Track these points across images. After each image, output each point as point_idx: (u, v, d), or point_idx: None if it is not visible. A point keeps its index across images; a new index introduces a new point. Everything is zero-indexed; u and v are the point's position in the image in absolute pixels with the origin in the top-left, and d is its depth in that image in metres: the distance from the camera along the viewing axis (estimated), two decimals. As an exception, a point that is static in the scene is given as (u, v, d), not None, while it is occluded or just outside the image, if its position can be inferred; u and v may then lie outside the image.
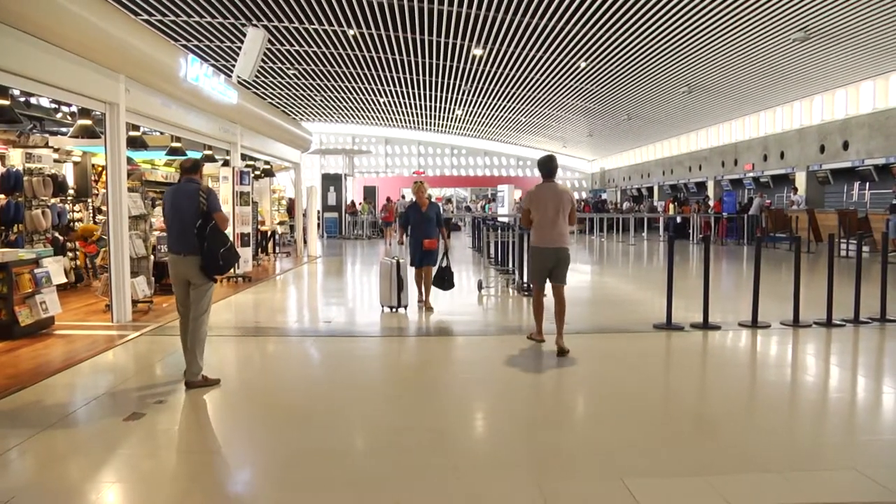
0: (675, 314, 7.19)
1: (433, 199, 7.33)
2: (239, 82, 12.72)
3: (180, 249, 4.80)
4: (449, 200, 26.20)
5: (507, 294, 9.71)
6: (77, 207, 10.28)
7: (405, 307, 8.08)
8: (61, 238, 9.35)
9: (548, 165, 6.01)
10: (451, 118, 34.16)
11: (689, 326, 6.99)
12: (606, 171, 41.90)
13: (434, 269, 8.28)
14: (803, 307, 7.24)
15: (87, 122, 8.24)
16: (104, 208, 8.91)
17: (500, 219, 22.36)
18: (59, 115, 9.71)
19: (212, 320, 6.67)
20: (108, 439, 3.96)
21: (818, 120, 22.13)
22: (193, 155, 12.28)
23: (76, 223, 10.21)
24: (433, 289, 8.70)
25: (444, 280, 8.24)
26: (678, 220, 23.70)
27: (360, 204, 28.68)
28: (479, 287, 9.55)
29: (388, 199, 26.90)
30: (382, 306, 8.19)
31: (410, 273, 8.50)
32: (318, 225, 22.82)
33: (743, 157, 26.24)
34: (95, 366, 5.56)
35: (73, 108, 9.39)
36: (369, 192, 30.70)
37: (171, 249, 4.86)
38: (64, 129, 10.05)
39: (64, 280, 7.40)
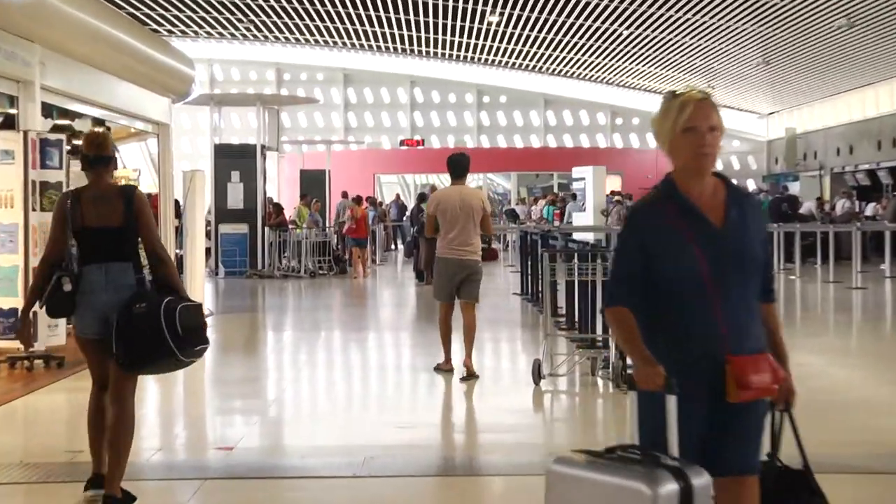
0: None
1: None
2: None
3: None
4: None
5: (590, 386, 9.78)
6: None
7: None
8: None
9: (458, 163, 10.23)
10: (477, 32, 34.39)
11: None
12: (800, 137, 41.93)
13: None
14: None
15: None
16: None
17: (577, 236, 22.19)
18: None
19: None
20: None
21: None
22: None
23: None
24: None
25: None
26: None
27: (295, 207, 28.68)
28: (538, 373, 9.60)
29: (360, 199, 26.87)
30: None
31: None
32: (209, 250, 22.77)
33: None
34: None
35: None
36: (312, 183, 30.72)
37: None
38: None
39: None
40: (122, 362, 5.54)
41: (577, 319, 12.50)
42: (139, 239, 5.76)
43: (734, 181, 4.06)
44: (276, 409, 9.42)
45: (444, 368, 10.21)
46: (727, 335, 3.87)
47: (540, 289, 15.04)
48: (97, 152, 5.84)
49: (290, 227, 26.49)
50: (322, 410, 9.53)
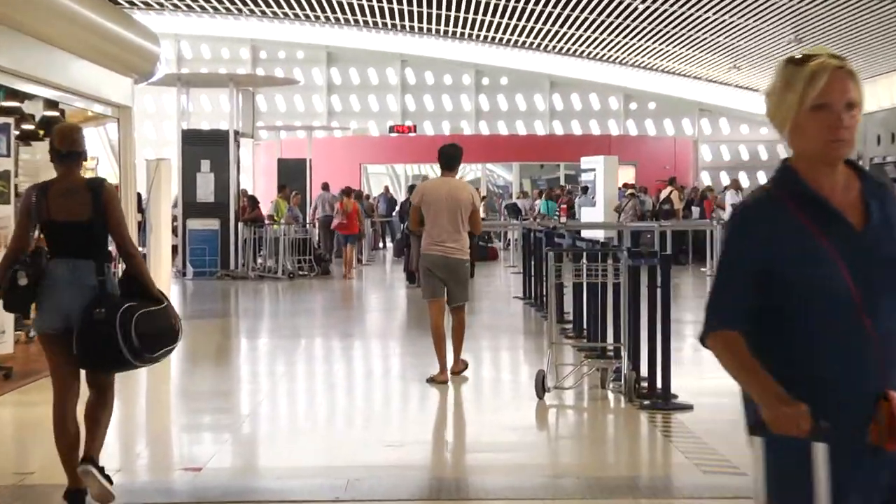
0: None
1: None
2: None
3: None
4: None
5: (600, 401, 9.80)
6: None
7: None
8: None
9: (449, 155, 10.79)
10: (476, 6, 34.33)
11: None
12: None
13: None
14: None
15: None
16: None
17: (586, 234, 22.13)
18: None
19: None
20: None
21: None
22: None
23: None
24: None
25: None
26: None
27: (272, 200, 28.63)
28: (541, 386, 9.62)
29: (349, 191, 26.85)
30: None
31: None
32: (175, 248, 22.72)
33: None
34: None
35: None
36: (292, 173, 30.68)
37: None
38: None
39: None
40: (83, 364, 6.18)
41: (585, 326, 12.49)
42: (108, 235, 6.26)
43: (865, 168, 3.54)
44: (249, 425, 9.38)
45: (439, 380, 10.41)
46: (882, 362, 3.33)
47: (544, 292, 15.04)
48: (70, 148, 6.35)
49: (267, 222, 26.43)
50: (301, 427, 9.53)
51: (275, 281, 23.89)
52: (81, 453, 6.20)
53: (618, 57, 41.16)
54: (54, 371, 6.30)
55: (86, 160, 6.72)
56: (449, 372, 10.53)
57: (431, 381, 10.46)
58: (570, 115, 45.61)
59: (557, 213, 32.44)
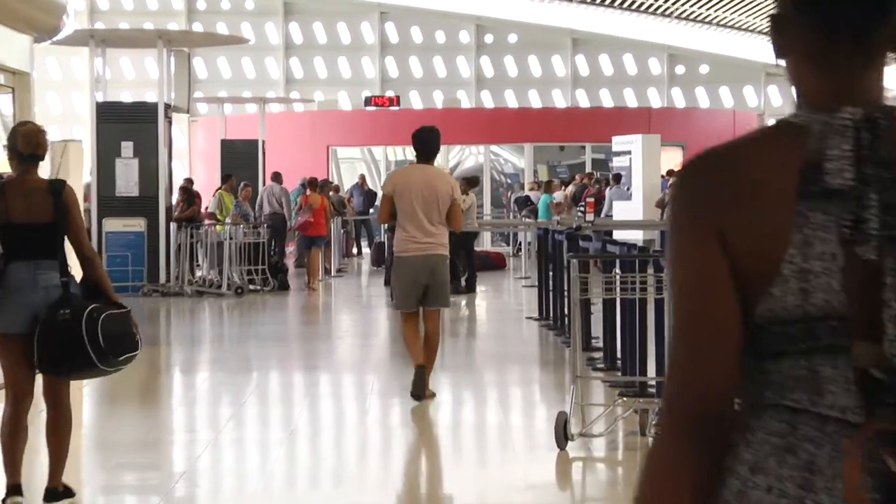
0: None
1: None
2: None
3: None
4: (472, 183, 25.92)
5: (639, 451, 9.72)
6: None
7: None
8: None
9: (426, 141, 11.76)
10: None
11: None
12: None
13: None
14: None
15: None
16: None
17: (619, 235, 22.16)
18: None
19: None
20: None
21: None
22: None
23: None
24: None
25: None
26: None
27: (214, 194, 28.72)
28: (563, 432, 9.61)
29: (315, 182, 26.89)
30: None
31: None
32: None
33: None
34: None
35: None
36: (239, 158, 30.76)
37: None
38: None
39: None
40: (42, 368, 7.39)
41: (619, 355, 12.54)
42: (66, 236, 7.54)
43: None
44: (185, 486, 9.38)
45: (416, 364, 11.87)
46: None
47: (566, 311, 15.07)
48: (34, 151, 7.70)
49: (208, 222, 26.48)
50: (252, 488, 9.52)
51: (218, 298, 23.96)
52: (48, 480, 7.50)
53: (659, 6, 41.35)
54: (10, 375, 7.52)
55: (43, 158, 7.88)
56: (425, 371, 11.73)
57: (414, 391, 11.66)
58: (599, 82, 45.82)
59: (583, 207, 32.50)
